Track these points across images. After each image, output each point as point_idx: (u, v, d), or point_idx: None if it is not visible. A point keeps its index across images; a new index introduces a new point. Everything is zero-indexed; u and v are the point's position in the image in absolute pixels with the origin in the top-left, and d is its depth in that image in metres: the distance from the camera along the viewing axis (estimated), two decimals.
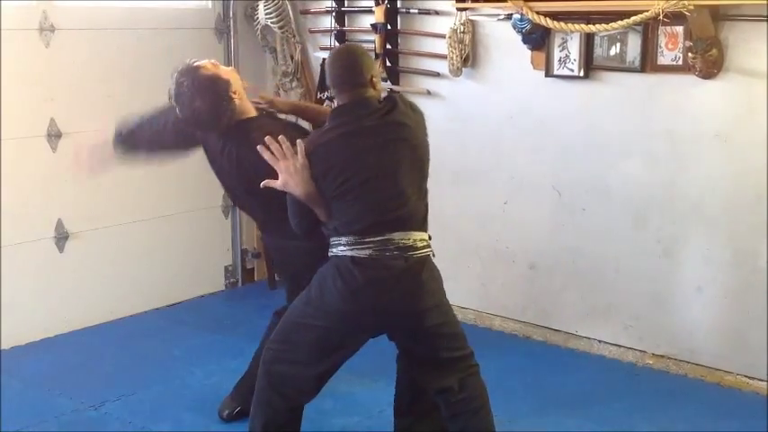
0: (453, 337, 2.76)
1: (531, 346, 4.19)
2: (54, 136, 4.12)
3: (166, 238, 4.62)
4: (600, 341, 4.05)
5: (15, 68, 3.94)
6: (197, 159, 4.74)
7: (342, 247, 2.59)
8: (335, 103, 2.77)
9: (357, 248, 2.56)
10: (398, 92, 2.89)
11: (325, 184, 2.60)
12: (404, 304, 2.63)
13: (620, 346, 3.99)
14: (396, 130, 2.63)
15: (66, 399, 3.53)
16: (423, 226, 2.69)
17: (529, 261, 4.23)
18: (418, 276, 2.62)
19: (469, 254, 4.41)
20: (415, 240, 2.63)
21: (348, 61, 2.68)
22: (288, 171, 2.59)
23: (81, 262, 4.28)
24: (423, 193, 2.71)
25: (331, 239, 2.64)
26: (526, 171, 4.15)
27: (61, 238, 4.19)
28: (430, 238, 2.73)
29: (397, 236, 2.58)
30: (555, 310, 4.19)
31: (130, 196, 4.45)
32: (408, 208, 2.62)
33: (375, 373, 2.85)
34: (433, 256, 2.74)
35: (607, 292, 4.00)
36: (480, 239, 4.38)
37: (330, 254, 2.64)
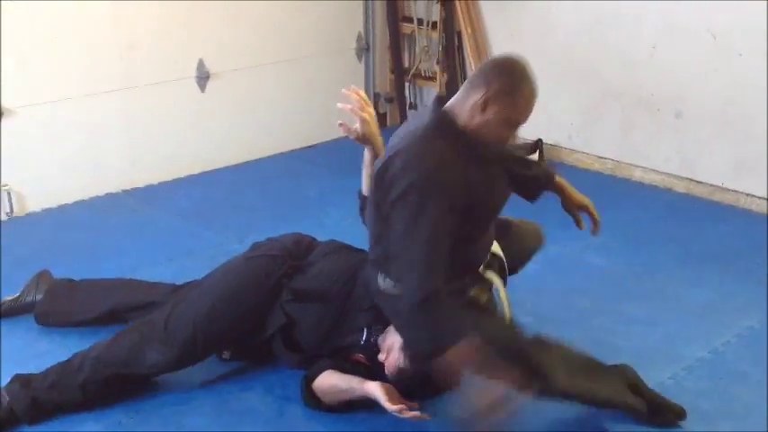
0: None
1: (672, 198, 4.05)
2: None
3: (301, 80, 4.64)
4: (748, 194, 3.88)
5: None
6: (335, 3, 4.68)
7: None
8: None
9: None
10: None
11: None
12: None
13: None
14: None
15: (212, 233, 3.71)
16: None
17: (675, 109, 4.02)
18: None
19: (611, 101, 4.22)
20: None
21: None
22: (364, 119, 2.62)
23: (222, 102, 4.37)
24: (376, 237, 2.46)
25: None
26: (678, 12, 3.88)
27: (202, 77, 4.28)
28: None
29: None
30: (701, 161, 4.01)
31: (269, 37, 4.46)
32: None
33: None
34: None
35: (760, 143, 3.79)
36: (624, 86, 4.18)
37: None
